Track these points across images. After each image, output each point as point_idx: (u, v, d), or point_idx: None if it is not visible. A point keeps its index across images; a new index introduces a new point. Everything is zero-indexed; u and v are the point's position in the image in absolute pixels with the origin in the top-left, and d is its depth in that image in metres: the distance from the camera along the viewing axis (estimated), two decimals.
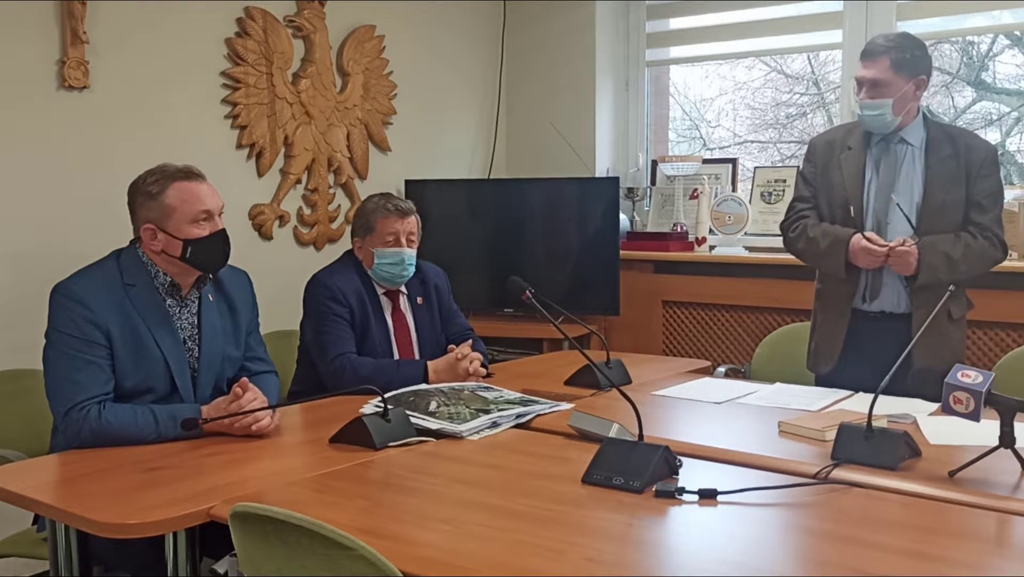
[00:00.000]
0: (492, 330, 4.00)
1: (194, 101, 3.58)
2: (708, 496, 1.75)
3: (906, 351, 2.07)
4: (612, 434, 2.02)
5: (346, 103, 4.08)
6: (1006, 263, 3.37)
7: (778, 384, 2.79)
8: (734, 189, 4.41)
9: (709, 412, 2.48)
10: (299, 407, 2.57)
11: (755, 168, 4.39)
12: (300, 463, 2.04)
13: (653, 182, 4.61)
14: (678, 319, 4.27)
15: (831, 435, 2.03)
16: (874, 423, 1.94)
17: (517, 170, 4.78)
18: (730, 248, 4.21)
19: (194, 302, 2.41)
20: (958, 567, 1.46)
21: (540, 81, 4.71)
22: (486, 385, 2.67)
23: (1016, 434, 1.83)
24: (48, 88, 3.17)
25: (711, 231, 4.27)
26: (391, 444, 2.13)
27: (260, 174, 3.82)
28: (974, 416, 1.81)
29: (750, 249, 4.19)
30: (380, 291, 2.96)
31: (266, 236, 3.86)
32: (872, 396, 1.95)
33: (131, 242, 2.38)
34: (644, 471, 1.81)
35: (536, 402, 2.48)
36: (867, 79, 2.67)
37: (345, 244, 3.64)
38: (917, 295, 2.67)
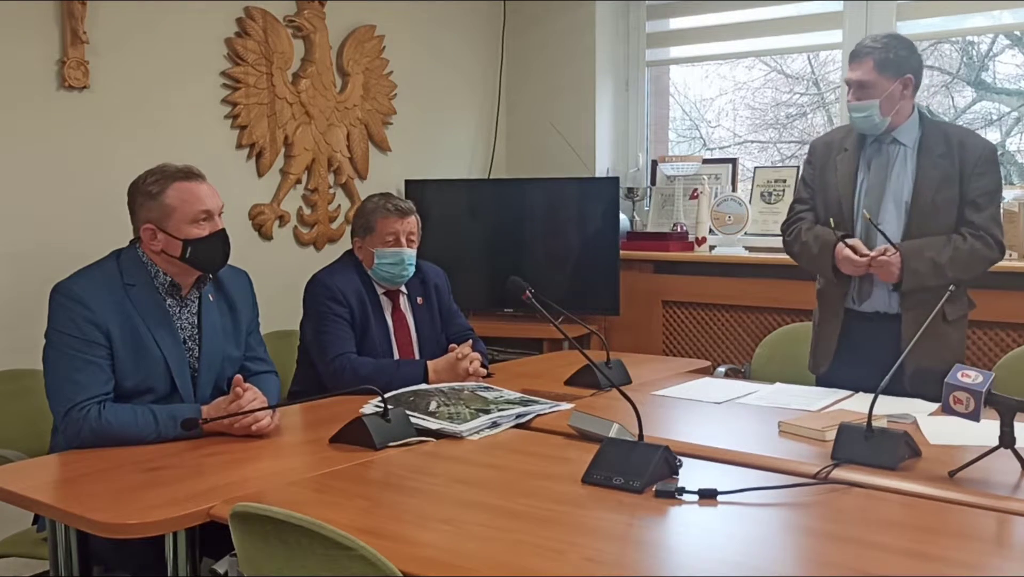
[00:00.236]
0: (492, 330, 4.00)
1: (194, 101, 3.58)
2: (708, 496, 1.75)
3: (902, 356, 2.08)
4: (612, 434, 2.02)
5: (346, 103, 4.09)
6: (1006, 263, 3.38)
7: (778, 384, 2.79)
8: (734, 189, 4.41)
9: (709, 412, 2.48)
10: (299, 407, 2.57)
11: (755, 168, 4.39)
12: (300, 463, 2.04)
13: (653, 182, 4.61)
14: (678, 319, 4.27)
15: (831, 435, 2.03)
16: (874, 423, 1.94)
17: (517, 170, 4.78)
18: (730, 248, 4.22)
19: (194, 302, 2.41)
20: (958, 567, 1.46)
21: (540, 81, 4.71)
22: (486, 385, 2.67)
23: (1016, 434, 1.83)
24: (48, 88, 3.17)
25: (711, 231, 4.27)
26: (391, 444, 2.13)
27: (260, 174, 3.82)
28: (974, 416, 1.81)
29: (750, 249, 4.19)
30: (380, 291, 2.96)
31: (266, 236, 3.86)
32: (872, 396, 1.95)
33: (131, 242, 2.38)
34: (644, 471, 1.81)
35: (536, 402, 2.48)
36: (853, 81, 2.69)
37: (345, 244, 3.64)
38: (906, 298, 2.67)
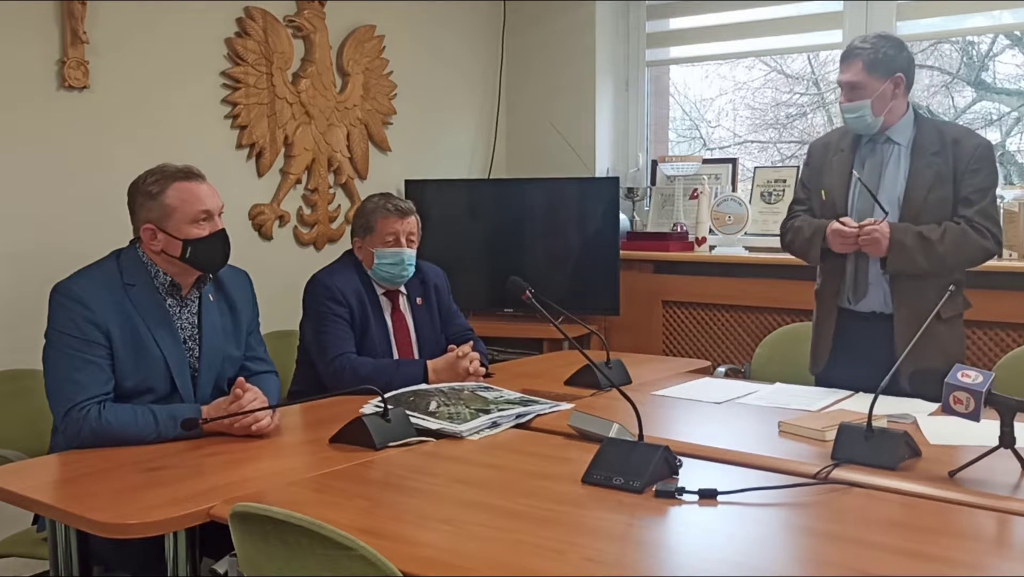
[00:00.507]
0: (492, 330, 4.00)
1: (194, 101, 3.58)
2: (708, 496, 1.75)
3: (902, 356, 2.08)
4: (612, 434, 2.02)
5: (346, 103, 4.08)
6: (1006, 263, 3.39)
7: (778, 384, 2.79)
8: (734, 189, 4.41)
9: (709, 412, 2.48)
10: (299, 407, 2.57)
11: (755, 168, 4.39)
12: (300, 463, 2.04)
13: (653, 182, 4.61)
14: (678, 319, 4.27)
15: (831, 435, 2.03)
16: (874, 423, 1.94)
17: (517, 170, 4.78)
18: (730, 248, 4.22)
19: (194, 302, 2.41)
20: (958, 567, 1.46)
21: (540, 81, 4.71)
22: (486, 385, 2.67)
23: (1016, 434, 1.83)
24: (48, 88, 3.17)
25: (711, 231, 4.27)
26: (391, 444, 2.13)
27: (260, 174, 3.82)
28: (974, 416, 1.81)
29: (750, 249, 4.19)
30: (380, 291, 2.96)
31: (266, 236, 3.86)
32: (872, 396, 1.95)
33: (131, 242, 2.38)
34: (644, 471, 1.81)
35: (536, 402, 2.48)
36: (844, 82, 2.69)
37: (345, 244, 3.64)
38: (897, 292, 2.66)
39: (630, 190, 4.50)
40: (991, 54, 4.53)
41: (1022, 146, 4.37)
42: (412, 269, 2.94)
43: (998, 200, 2.77)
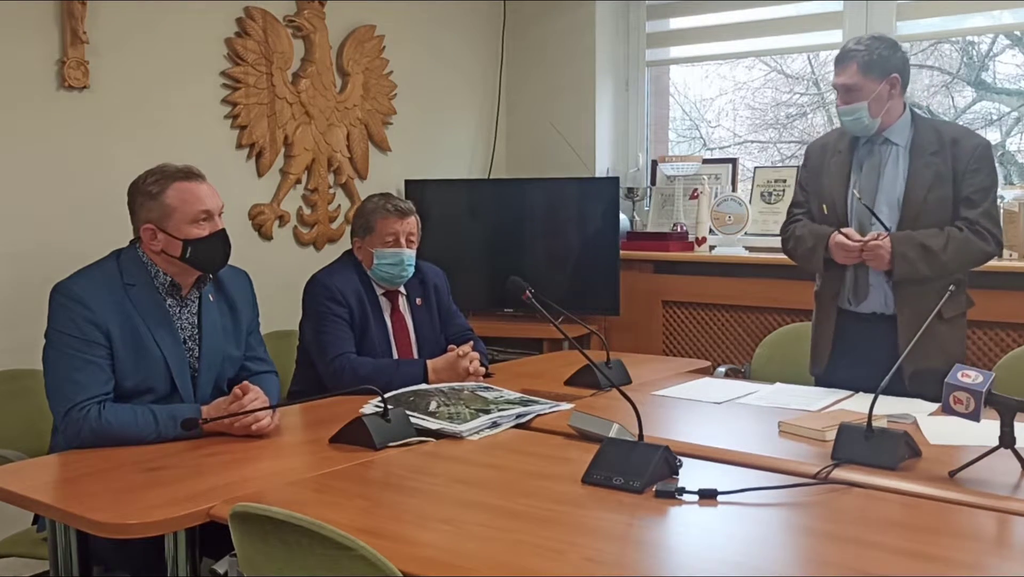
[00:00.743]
0: (492, 330, 4.00)
1: (194, 101, 3.58)
2: (708, 496, 1.75)
3: (903, 356, 2.08)
4: (612, 434, 2.02)
5: (346, 103, 4.08)
6: (1006, 263, 3.39)
7: (778, 384, 2.79)
8: (734, 189, 4.41)
9: (709, 412, 2.48)
10: (299, 407, 2.57)
11: (755, 168, 4.39)
12: (300, 463, 2.04)
13: (653, 182, 4.61)
14: (678, 319, 4.27)
15: (831, 435, 2.03)
16: (874, 423, 1.94)
17: (517, 170, 4.78)
18: (730, 248, 4.22)
19: (194, 302, 2.41)
20: (958, 567, 1.46)
21: (540, 81, 4.71)
22: (486, 385, 2.67)
23: (1016, 434, 1.83)
24: (48, 88, 3.17)
25: (711, 231, 4.27)
26: (391, 444, 2.13)
27: (260, 174, 3.82)
28: (974, 416, 1.81)
29: (750, 249, 4.19)
30: (379, 291, 2.96)
31: (266, 236, 3.86)
32: (872, 396, 1.95)
33: (131, 242, 2.38)
34: (644, 471, 1.81)
35: (536, 402, 2.48)
36: (839, 85, 2.69)
37: (345, 244, 3.64)
38: (899, 293, 2.66)
39: (630, 190, 4.50)
40: (991, 54, 4.54)
41: (1022, 146, 4.37)
42: (412, 269, 2.94)
43: (998, 200, 2.77)
